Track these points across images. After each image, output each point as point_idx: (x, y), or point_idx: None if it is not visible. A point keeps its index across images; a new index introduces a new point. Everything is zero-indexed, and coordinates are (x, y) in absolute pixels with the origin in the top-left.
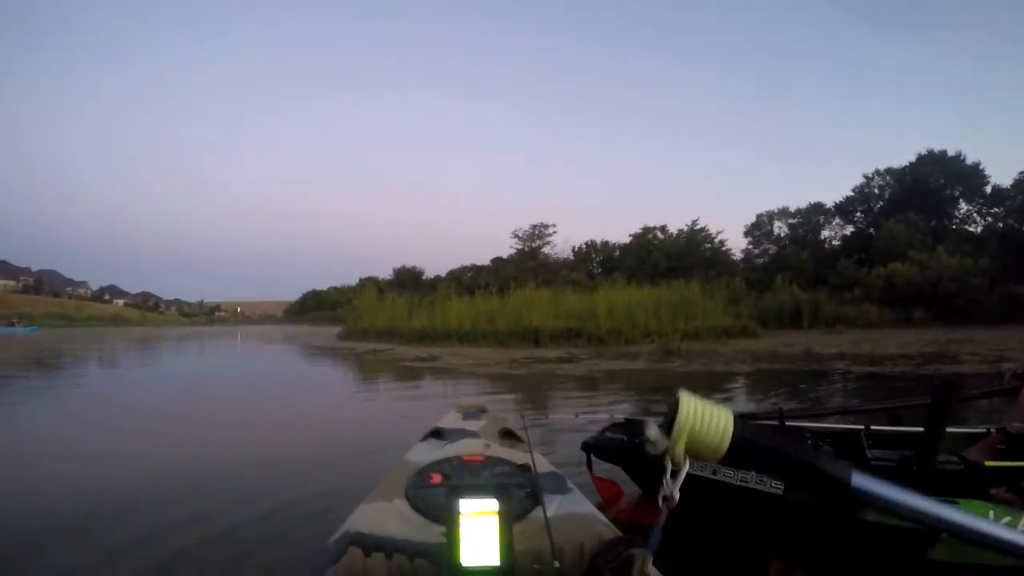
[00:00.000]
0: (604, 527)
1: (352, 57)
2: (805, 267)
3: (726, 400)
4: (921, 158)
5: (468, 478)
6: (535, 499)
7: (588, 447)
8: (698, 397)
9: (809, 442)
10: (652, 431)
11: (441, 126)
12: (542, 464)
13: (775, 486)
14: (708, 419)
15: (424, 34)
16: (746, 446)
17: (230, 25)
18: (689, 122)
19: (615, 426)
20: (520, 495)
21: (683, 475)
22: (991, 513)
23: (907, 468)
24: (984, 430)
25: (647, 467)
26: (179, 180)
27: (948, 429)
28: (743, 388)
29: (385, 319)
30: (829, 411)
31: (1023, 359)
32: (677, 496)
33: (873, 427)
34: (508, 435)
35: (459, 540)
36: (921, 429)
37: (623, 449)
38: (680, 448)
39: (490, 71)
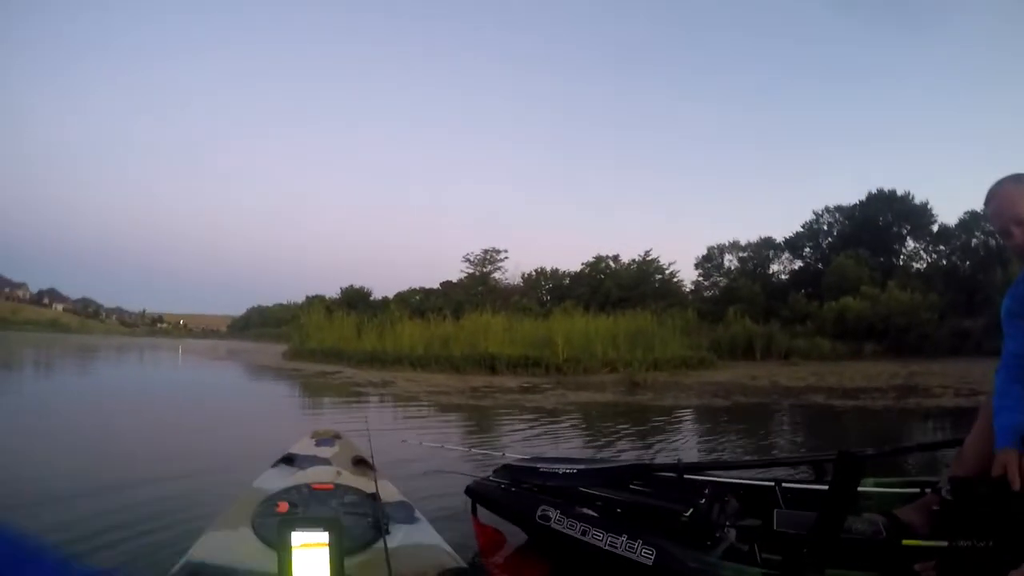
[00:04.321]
0: (448, 557)
1: (303, 75)
2: (757, 300)
3: (734, 437)
4: (871, 196)
5: (315, 507)
6: (379, 529)
7: (471, 492)
8: None
9: (705, 497)
10: None
11: (387, 147)
12: (391, 493)
13: (645, 555)
14: None
15: (373, 51)
16: None
17: (199, 40)
18: (639, 155)
19: (504, 468)
20: (364, 524)
21: None
22: None
23: (800, 554)
24: (918, 489)
25: (528, 517)
26: (124, 186)
27: (881, 487)
28: (741, 425)
29: (333, 339)
30: (735, 464)
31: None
32: None
33: (785, 484)
34: (360, 463)
35: (291, 571)
36: None
37: (504, 496)
38: None
39: (439, 90)
